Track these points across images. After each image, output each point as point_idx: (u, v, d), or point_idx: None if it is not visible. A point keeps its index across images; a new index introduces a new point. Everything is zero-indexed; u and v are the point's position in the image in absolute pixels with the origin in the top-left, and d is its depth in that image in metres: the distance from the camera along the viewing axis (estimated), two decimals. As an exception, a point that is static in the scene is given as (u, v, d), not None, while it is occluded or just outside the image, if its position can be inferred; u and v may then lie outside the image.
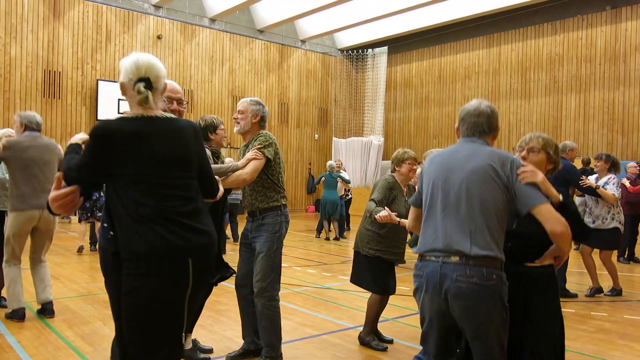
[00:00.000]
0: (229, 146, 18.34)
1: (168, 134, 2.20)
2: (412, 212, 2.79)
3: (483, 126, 2.58)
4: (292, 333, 4.66)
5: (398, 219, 3.98)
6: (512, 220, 2.71)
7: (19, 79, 14.36)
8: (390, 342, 4.42)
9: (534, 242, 2.67)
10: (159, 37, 16.74)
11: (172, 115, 2.31)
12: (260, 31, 19.13)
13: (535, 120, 15.83)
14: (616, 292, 6.61)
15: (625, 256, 9.40)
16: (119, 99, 15.35)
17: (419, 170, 4.63)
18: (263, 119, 3.81)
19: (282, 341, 4.38)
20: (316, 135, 20.86)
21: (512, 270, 2.65)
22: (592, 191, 6.32)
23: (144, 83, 2.17)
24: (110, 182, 2.17)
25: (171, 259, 2.10)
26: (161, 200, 2.13)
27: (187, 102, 2.47)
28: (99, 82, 15.41)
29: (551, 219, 2.34)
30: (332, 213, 11.33)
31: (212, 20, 17.94)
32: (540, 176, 2.42)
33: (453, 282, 2.34)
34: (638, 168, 9.26)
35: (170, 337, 2.16)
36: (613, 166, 6.57)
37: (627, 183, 9.00)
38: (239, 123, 3.86)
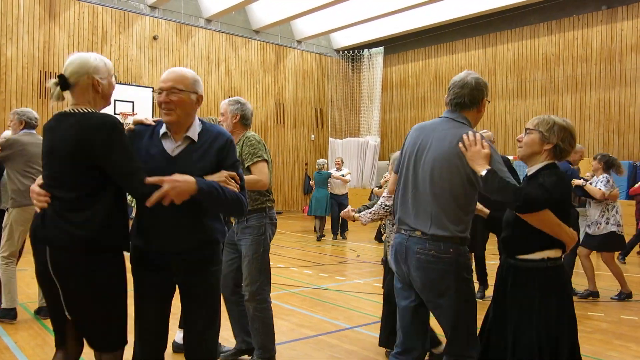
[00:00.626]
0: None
1: (63, 129, 2.24)
2: (393, 177, 3.01)
3: (465, 98, 2.62)
4: (288, 334, 4.65)
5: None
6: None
7: (14, 80, 14.29)
8: None
9: (523, 231, 2.57)
10: (154, 38, 16.69)
11: (86, 110, 2.27)
12: (256, 32, 19.10)
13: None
14: (624, 295, 6.42)
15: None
16: (114, 100, 15.29)
17: None
18: (244, 117, 3.77)
19: (279, 342, 4.38)
20: (312, 136, 20.84)
21: (505, 262, 2.69)
22: (581, 190, 6.32)
23: (57, 80, 2.29)
24: None
25: (33, 246, 2.31)
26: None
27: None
28: (95, 82, 15.34)
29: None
30: (318, 211, 11.29)
31: (208, 20, 17.90)
32: (473, 150, 2.48)
33: (414, 253, 2.59)
34: None
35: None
36: (607, 166, 6.53)
37: None
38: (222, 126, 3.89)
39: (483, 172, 2.45)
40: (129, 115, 14.72)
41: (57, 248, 2.21)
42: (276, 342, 4.34)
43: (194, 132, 2.38)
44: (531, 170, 2.68)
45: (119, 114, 14.49)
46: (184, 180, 2.18)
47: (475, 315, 2.67)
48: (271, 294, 6.03)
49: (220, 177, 2.31)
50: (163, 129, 2.40)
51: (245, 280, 3.67)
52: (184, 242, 2.37)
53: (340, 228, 11.73)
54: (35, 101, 14.57)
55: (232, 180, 2.34)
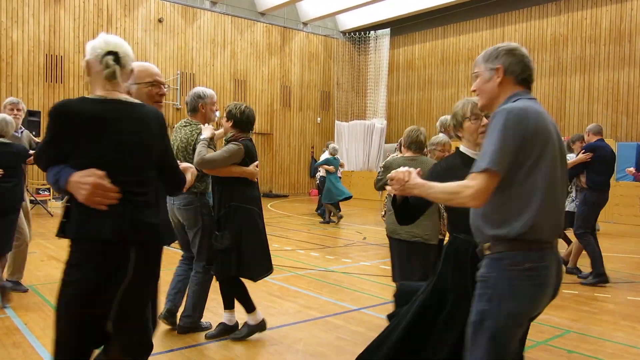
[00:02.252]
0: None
1: (130, 119, 2.11)
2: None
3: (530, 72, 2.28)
4: (295, 315, 4.69)
5: None
6: None
7: (20, 63, 14.30)
8: None
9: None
10: (160, 21, 16.61)
11: (137, 101, 2.19)
12: (262, 14, 18.96)
13: (540, 101, 15.63)
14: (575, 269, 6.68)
15: None
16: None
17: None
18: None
19: (286, 323, 4.47)
20: (319, 119, 20.79)
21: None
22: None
23: (113, 56, 2.10)
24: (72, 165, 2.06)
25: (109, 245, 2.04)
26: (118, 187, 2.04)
27: (168, 87, 2.52)
28: (101, 66, 15.33)
29: None
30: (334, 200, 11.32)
31: (213, 2, 17.78)
32: None
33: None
34: None
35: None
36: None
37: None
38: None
39: None
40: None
41: (145, 246, 2.09)
42: (283, 323, 4.42)
43: None
44: None
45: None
46: (191, 167, 2.59)
47: None
48: (278, 276, 6.13)
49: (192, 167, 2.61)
50: None
51: None
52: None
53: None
54: (41, 84, 14.59)
55: None
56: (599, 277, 6.16)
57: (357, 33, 20.57)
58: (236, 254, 3.81)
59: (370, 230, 10.51)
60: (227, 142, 3.94)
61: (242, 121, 3.93)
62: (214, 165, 3.74)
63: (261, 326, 4.06)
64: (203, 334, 4.05)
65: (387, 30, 19.51)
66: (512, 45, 2.25)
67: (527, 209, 2.04)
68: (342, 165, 11.68)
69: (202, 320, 4.16)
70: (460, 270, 2.49)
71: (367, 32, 20.32)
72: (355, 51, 20.84)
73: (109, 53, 2.10)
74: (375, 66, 20.05)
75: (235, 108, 3.93)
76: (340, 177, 11.63)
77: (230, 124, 3.97)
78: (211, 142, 3.83)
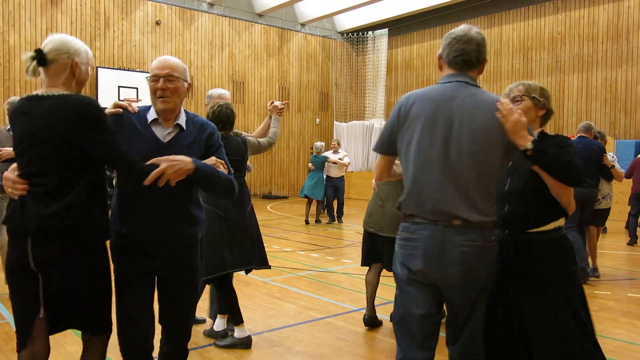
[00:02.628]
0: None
1: (37, 113, 2.15)
2: (382, 160, 2.50)
3: (472, 55, 2.25)
4: (296, 316, 4.69)
5: None
6: (505, 179, 2.57)
7: (18, 67, 14.29)
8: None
9: (531, 203, 2.46)
10: (157, 23, 16.62)
11: (62, 93, 2.19)
12: (260, 15, 18.97)
13: (538, 100, 15.72)
14: (597, 271, 6.54)
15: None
16: (119, 86, 15.33)
17: None
18: None
19: (286, 325, 4.45)
20: (317, 120, 20.79)
21: (512, 239, 2.52)
22: (609, 171, 6.29)
23: (32, 55, 2.20)
24: None
25: (11, 237, 2.22)
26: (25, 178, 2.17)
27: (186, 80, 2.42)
28: (99, 69, 15.33)
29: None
30: (309, 194, 11.45)
31: (211, 4, 17.78)
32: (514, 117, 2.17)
33: (456, 246, 2.25)
34: None
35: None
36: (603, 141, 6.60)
37: None
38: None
39: (529, 145, 2.15)
40: (134, 101, 14.71)
41: (40, 238, 2.12)
42: (284, 324, 4.42)
43: (183, 120, 2.44)
44: None
45: (123, 100, 14.49)
46: (181, 160, 2.19)
47: None
48: (278, 278, 6.13)
49: (211, 161, 2.38)
50: (152, 116, 2.40)
51: None
52: (165, 229, 2.37)
53: (337, 212, 11.77)
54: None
55: (221, 165, 2.42)
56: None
57: (355, 33, 20.58)
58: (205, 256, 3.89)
59: (370, 230, 10.51)
60: None
61: (214, 120, 3.86)
62: None
63: (246, 343, 3.91)
64: (202, 336, 4.05)
65: (385, 30, 19.52)
66: (451, 31, 2.34)
67: (405, 184, 2.30)
68: (335, 162, 11.63)
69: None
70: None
71: (365, 33, 20.33)
72: (354, 52, 20.85)
73: (35, 52, 2.21)
74: (374, 66, 20.06)
75: (213, 107, 3.91)
76: (328, 177, 11.65)
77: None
78: None
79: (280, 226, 11.04)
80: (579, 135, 6.44)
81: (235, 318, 3.87)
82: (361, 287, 5.85)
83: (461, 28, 2.29)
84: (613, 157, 6.46)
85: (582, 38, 14.91)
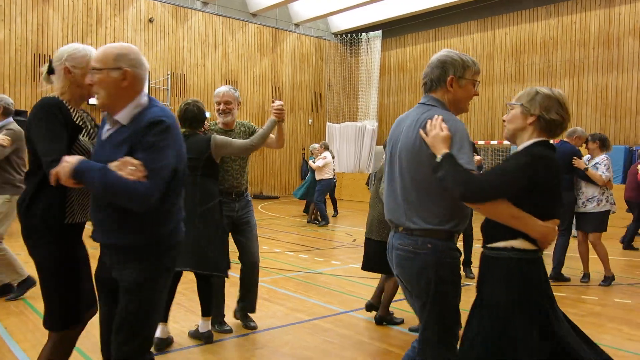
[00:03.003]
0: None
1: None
2: None
3: (427, 78, 2.47)
4: (283, 318, 4.66)
5: None
6: None
7: (7, 62, 14.16)
8: (401, 322, 4.58)
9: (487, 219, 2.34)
10: (150, 21, 16.53)
11: (49, 95, 2.44)
12: (253, 15, 18.92)
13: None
14: (609, 280, 6.38)
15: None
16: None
17: None
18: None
19: (273, 326, 4.42)
20: (310, 120, 20.77)
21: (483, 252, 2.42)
22: (583, 173, 6.30)
23: (48, 64, 2.50)
24: None
25: None
26: None
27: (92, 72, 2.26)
28: (90, 66, 15.22)
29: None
30: (298, 196, 11.90)
31: (205, 3, 17.72)
32: (433, 133, 2.28)
33: (394, 249, 2.50)
34: None
35: None
36: (603, 145, 6.49)
37: None
38: (228, 113, 4.24)
39: (438, 157, 2.23)
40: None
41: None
42: (270, 326, 4.39)
43: (124, 115, 2.15)
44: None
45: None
46: (66, 162, 2.01)
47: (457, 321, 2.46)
48: (266, 279, 6.09)
49: (116, 163, 2.01)
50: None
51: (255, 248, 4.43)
52: (108, 233, 2.20)
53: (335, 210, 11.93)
54: (29, 84, 14.46)
55: (134, 167, 2.00)
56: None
57: (349, 35, 20.58)
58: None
59: (360, 232, 10.49)
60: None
61: (181, 118, 3.89)
62: None
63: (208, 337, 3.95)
64: (187, 337, 4.01)
65: (379, 32, 19.53)
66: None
67: None
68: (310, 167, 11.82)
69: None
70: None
71: (359, 34, 20.33)
72: (347, 53, 20.85)
73: (48, 62, 2.49)
74: (367, 68, 20.07)
75: (182, 104, 3.93)
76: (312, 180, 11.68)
77: None
78: None
79: (270, 226, 11.00)
80: (561, 139, 6.56)
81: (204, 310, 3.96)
82: (349, 289, 5.84)
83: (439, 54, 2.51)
84: (602, 159, 6.41)
85: (574, 43, 14.99)
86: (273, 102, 4.22)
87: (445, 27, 18.15)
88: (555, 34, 15.40)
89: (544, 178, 2.20)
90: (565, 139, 6.58)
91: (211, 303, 3.94)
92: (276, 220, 12.21)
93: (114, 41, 16.03)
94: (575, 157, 6.27)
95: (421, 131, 2.32)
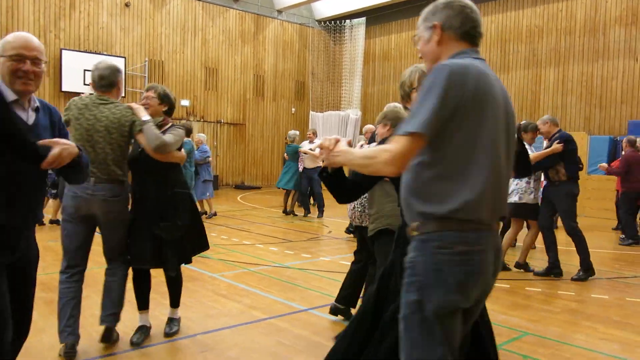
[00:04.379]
0: (202, 119, 17.84)
1: None
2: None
3: (482, 29, 2.03)
4: (237, 317, 4.36)
5: None
6: None
7: (-24, 47, 13.63)
8: None
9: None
10: (126, 5, 16.00)
11: None
12: (235, 0, 18.45)
13: (514, 93, 15.54)
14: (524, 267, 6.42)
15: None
16: (84, 70, 14.70)
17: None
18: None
19: (225, 326, 4.14)
20: (293, 109, 20.39)
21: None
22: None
23: None
24: None
25: None
26: None
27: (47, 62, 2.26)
28: (63, 51, 14.72)
29: None
30: (282, 183, 11.07)
31: (184, -13, 17.23)
32: None
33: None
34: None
35: None
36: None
37: None
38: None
39: None
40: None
41: None
42: (222, 326, 4.09)
43: (36, 101, 2.37)
44: None
45: (88, 85, 13.93)
46: (68, 143, 2.13)
47: None
48: (229, 273, 5.79)
49: (66, 144, 2.14)
50: (12, 96, 2.23)
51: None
52: (33, 217, 2.35)
53: (318, 205, 11.24)
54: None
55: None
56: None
57: (333, 22, 20.17)
58: (188, 240, 3.71)
59: (337, 223, 10.21)
60: (159, 125, 3.64)
61: (173, 107, 3.75)
62: (170, 149, 3.49)
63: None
64: (127, 339, 3.70)
65: (363, 19, 19.14)
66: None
67: (464, 183, 1.76)
68: (306, 153, 10.97)
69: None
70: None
71: (343, 21, 19.93)
72: (331, 40, 20.45)
73: None
74: (351, 56, 19.69)
75: (170, 92, 3.68)
76: (304, 167, 11.14)
77: (164, 107, 3.72)
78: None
79: (246, 218, 10.68)
80: (558, 129, 6.42)
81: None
82: (315, 284, 5.55)
83: None
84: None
85: (560, 31, 14.72)
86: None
87: (430, 14, 17.79)
88: (540, 22, 15.12)
89: None
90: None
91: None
92: (253, 212, 11.88)
93: (88, 25, 15.56)
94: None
95: None
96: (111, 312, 3.58)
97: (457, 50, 1.90)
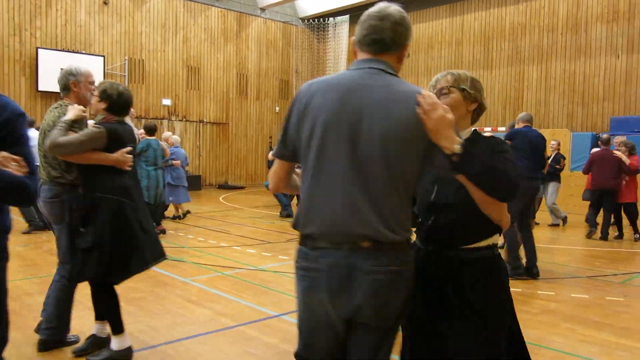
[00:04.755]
0: (184, 119, 17.60)
1: None
2: (279, 165, 1.97)
3: (385, 34, 1.82)
4: (206, 324, 4.19)
5: None
6: (430, 187, 2.09)
7: (-51, 46, 13.31)
8: None
9: (463, 216, 1.98)
10: (105, 3, 15.73)
11: None
12: (216, -2, 18.25)
13: (497, 91, 15.50)
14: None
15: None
16: (61, 69, 14.35)
17: None
18: None
19: (192, 335, 3.97)
20: (277, 108, 20.21)
21: (438, 255, 2.06)
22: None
23: None
24: None
25: None
26: None
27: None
28: (39, 50, 14.41)
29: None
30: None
31: (164, -15, 16.97)
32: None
33: (366, 274, 1.75)
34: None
35: None
36: None
37: (625, 157, 8.70)
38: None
39: (457, 148, 1.69)
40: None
41: None
42: (188, 335, 3.93)
43: None
44: None
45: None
46: None
47: None
48: (201, 277, 5.62)
49: None
50: None
51: None
52: None
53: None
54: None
55: (15, 163, 1.86)
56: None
57: (316, 20, 20.01)
58: (98, 253, 3.21)
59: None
60: (99, 124, 3.45)
61: (117, 104, 3.38)
62: (67, 151, 3.18)
63: (125, 355, 3.38)
64: (69, 349, 3.51)
65: (347, 17, 19.01)
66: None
67: (302, 197, 1.84)
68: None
69: (68, 333, 3.62)
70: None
71: (326, 19, 19.78)
72: (315, 38, 20.30)
73: None
74: (335, 54, 19.56)
75: (112, 88, 3.38)
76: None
77: (103, 105, 3.40)
78: (76, 125, 3.29)
79: (226, 219, 10.50)
80: (525, 125, 6.23)
81: (117, 326, 3.37)
82: (290, 287, 5.39)
83: (379, 4, 1.87)
84: None
85: (542, 28, 14.69)
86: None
87: (414, 12, 17.70)
88: (523, 19, 15.08)
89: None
90: (529, 124, 6.24)
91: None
92: (234, 212, 11.70)
93: (65, 24, 15.25)
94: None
95: (420, 111, 1.71)
96: (45, 326, 3.49)
97: (357, 61, 1.88)
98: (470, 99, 2.07)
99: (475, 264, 2.01)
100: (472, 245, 2.02)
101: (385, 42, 1.83)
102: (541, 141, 6.16)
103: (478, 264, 2.01)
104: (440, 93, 2.08)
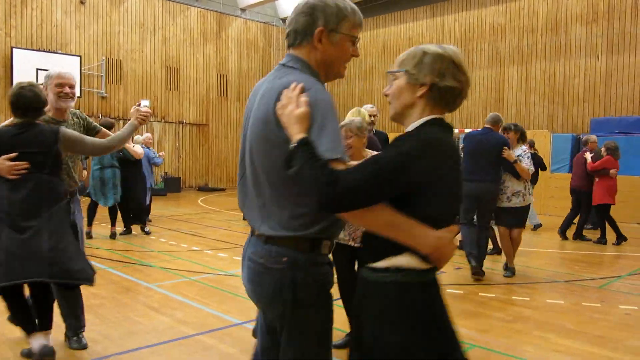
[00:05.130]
0: (163, 120, 17.33)
1: None
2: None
3: (290, 28, 1.83)
4: (163, 333, 3.99)
5: None
6: None
7: None
8: None
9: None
10: (82, 2, 15.43)
11: None
12: (196, -2, 18.00)
13: (478, 92, 15.44)
14: (511, 271, 6.17)
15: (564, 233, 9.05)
16: (37, 69, 14.09)
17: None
18: None
19: (147, 345, 3.76)
20: (258, 109, 19.99)
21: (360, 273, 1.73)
22: (510, 166, 5.87)
23: None
24: None
25: None
26: None
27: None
28: (14, 50, 14.07)
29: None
30: None
31: (142, -16, 16.69)
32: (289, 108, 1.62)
33: (246, 260, 1.90)
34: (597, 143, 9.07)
35: None
36: (522, 137, 6.21)
37: (589, 158, 8.67)
38: (72, 99, 3.54)
39: (291, 144, 1.58)
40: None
41: None
42: (143, 345, 3.73)
43: None
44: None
45: (42, 84, 13.34)
46: None
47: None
48: (167, 283, 5.41)
49: None
50: None
51: None
52: None
53: None
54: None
55: None
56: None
57: (298, 20, 19.83)
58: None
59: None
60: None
61: (15, 105, 3.13)
62: None
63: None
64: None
65: (328, 17, 18.83)
66: None
67: None
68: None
69: None
70: None
71: (308, 20, 19.61)
72: (296, 39, 20.11)
73: None
74: (317, 55, 19.39)
75: (13, 88, 3.12)
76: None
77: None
78: None
79: (202, 221, 10.28)
80: (484, 126, 6.14)
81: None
82: (257, 294, 5.21)
83: None
84: (524, 152, 6.03)
85: (522, 29, 14.67)
86: (138, 104, 3.57)
87: (394, 12, 17.63)
88: (503, 20, 15.05)
89: (435, 171, 1.57)
90: (488, 126, 6.11)
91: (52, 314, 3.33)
92: (211, 215, 11.48)
93: (41, 23, 14.92)
94: (505, 148, 5.83)
95: (279, 105, 1.66)
96: None
97: None
98: (415, 82, 1.67)
99: (375, 289, 1.62)
100: (373, 264, 1.63)
101: (289, 36, 1.84)
102: (494, 145, 5.87)
103: (378, 289, 1.61)
104: (391, 77, 1.80)
